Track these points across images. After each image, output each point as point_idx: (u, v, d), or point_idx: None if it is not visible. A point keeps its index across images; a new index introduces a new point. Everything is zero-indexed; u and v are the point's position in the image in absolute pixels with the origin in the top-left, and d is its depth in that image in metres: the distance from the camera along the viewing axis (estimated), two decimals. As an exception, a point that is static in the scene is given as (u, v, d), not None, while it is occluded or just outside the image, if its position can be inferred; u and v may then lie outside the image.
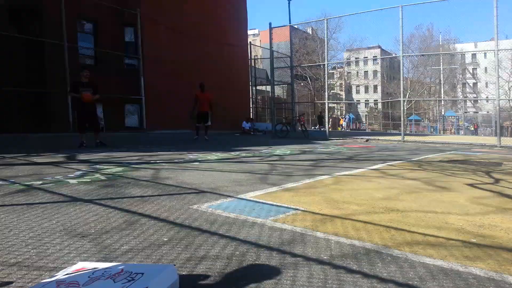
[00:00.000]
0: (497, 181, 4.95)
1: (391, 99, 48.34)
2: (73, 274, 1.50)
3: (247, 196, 3.59)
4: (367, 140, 15.43)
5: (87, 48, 16.36)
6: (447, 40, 49.01)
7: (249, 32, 28.50)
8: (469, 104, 60.10)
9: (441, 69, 47.91)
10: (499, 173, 5.74)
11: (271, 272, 1.83)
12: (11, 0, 15.06)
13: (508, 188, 4.43)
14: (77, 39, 15.61)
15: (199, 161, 6.41)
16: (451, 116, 48.27)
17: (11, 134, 11.63)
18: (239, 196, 3.58)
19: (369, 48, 64.12)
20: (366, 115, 64.62)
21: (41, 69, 15.11)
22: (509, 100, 38.57)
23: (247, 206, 3.21)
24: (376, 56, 66.30)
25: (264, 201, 3.38)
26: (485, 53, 53.22)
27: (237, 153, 8.16)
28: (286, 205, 3.25)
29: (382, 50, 68.46)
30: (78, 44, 15.61)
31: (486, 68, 53.35)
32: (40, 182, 3.99)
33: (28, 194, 3.40)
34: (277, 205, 3.24)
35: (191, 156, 7.24)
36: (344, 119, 46.17)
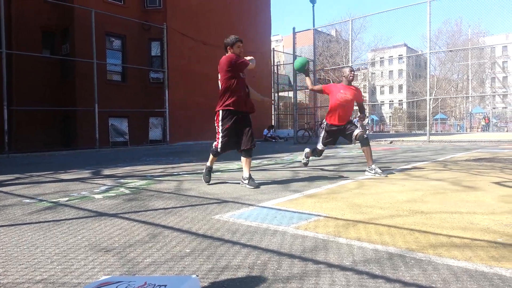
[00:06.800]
0: (527, 177, 4.80)
1: (416, 98, 47.43)
2: (96, 289, 1.52)
3: (269, 204, 3.59)
4: (391, 142, 15.20)
5: (115, 65, 16.86)
6: (476, 34, 47.59)
7: (272, 38, 28.41)
8: (498, 99, 58.31)
9: (469, 64, 46.68)
10: (529, 169, 5.56)
11: (293, 280, 1.83)
12: (44, 22, 15.75)
13: (539, 184, 4.29)
14: (106, 56, 16.10)
15: (221, 171, 6.46)
16: (479, 113, 47.01)
17: (38, 152, 12.00)
18: (261, 205, 3.58)
19: (394, 46, 63.01)
20: (390, 116, 63.68)
21: (71, 87, 15.68)
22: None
23: (269, 214, 3.21)
24: (401, 55, 65.31)
25: (286, 209, 3.38)
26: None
27: (259, 161, 8.18)
28: (308, 212, 3.23)
29: (408, 48, 67.32)
30: (106, 61, 16.13)
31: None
32: (67, 198, 4.10)
33: (55, 211, 3.49)
34: (299, 212, 3.23)
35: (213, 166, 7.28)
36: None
